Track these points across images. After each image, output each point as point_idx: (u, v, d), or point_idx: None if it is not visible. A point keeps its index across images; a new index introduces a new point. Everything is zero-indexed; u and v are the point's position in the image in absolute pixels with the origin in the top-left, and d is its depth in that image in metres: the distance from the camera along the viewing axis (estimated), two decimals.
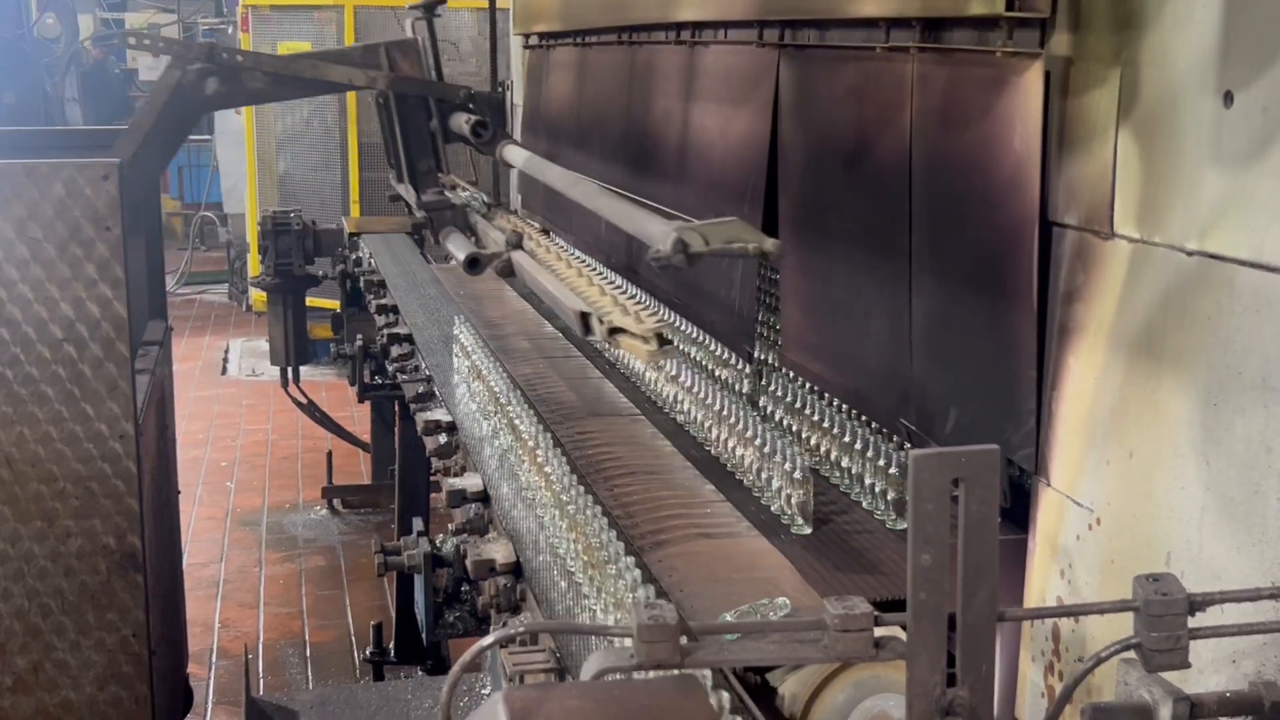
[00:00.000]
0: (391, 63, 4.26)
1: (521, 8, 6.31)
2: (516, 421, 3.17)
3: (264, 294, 7.43)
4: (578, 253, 3.44)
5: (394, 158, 4.55)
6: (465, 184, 4.65)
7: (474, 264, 3.56)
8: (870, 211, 2.75)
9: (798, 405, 3.01)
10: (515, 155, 4.19)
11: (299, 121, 10.57)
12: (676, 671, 1.49)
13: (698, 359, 3.65)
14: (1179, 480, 1.83)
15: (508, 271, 3.50)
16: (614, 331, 2.58)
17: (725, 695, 1.88)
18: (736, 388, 3.41)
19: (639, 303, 2.70)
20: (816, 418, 2.93)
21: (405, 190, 4.47)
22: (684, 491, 2.85)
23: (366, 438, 8.25)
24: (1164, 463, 1.86)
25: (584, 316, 2.69)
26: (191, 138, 16.87)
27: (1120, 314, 1.96)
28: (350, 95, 10.62)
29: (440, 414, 3.81)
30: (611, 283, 2.98)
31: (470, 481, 3.26)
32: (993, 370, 2.27)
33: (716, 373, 3.51)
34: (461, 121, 4.23)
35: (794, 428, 3.03)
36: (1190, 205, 1.81)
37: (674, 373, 3.42)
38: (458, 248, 3.77)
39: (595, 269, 3.19)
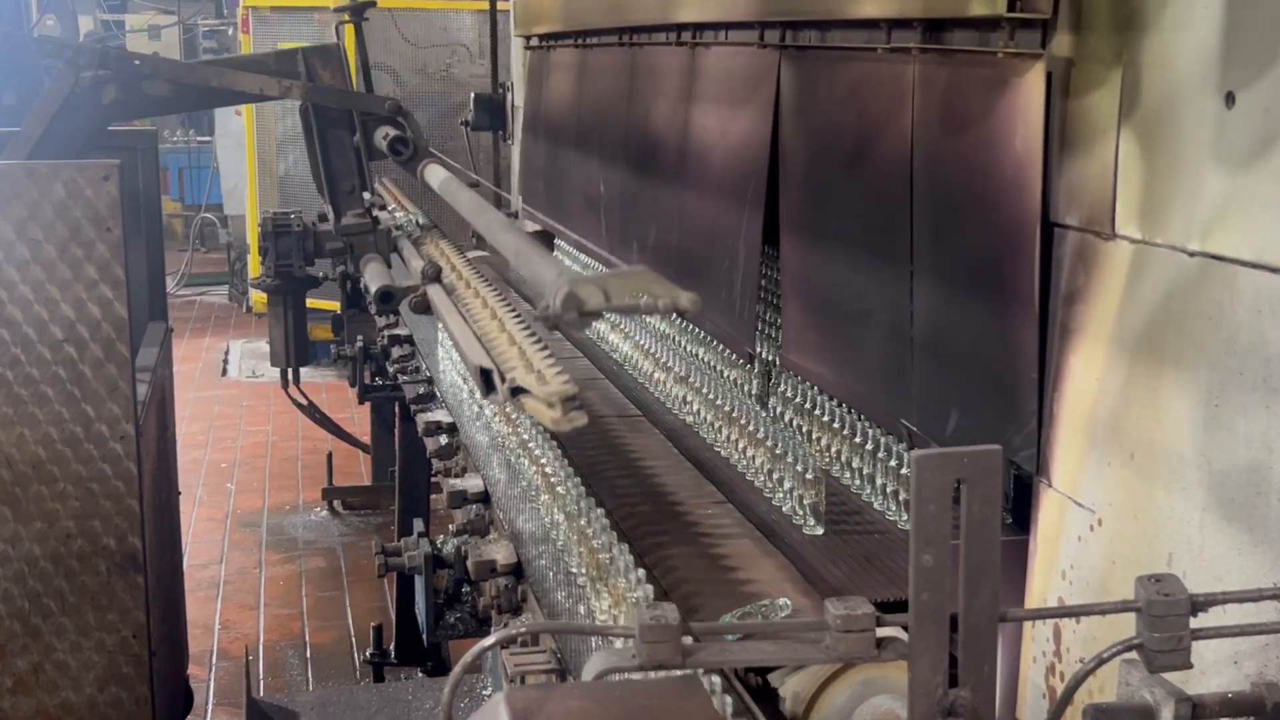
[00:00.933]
0: (310, 71, 3.92)
1: (522, 9, 6.31)
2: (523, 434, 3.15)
3: (264, 295, 7.42)
4: (497, 289, 3.19)
5: (315, 174, 4.23)
6: (400, 202, 4.44)
7: (387, 299, 3.33)
8: (871, 212, 2.75)
9: (807, 406, 3.01)
10: (434, 176, 3.91)
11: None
12: (679, 672, 1.49)
13: (706, 359, 3.65)
14: (1181, 481, 1.83)
15: (423, 308, 3.25)
16: (516, 392, 2.31)
17: (728, 700, 1.88)
18: (745, 388, 3.41)
19: (550, 356, 2.43)
20: (827, 418, 2.93)
21: (326, 207, 4.17)
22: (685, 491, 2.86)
23: (367, 439, 8.25)
24: (1166, 463, 1.86)
25: (484, 374, 2.44)
26: (194, 139, 16.92)
27: (1122, 315, 1.95)
28: None
29: (441, 415, 3.81)
30: (527, 329, 2.71)
31: (471, 483, 3.26)
32: (994, 371, 2.27)
33: (725, 373, 3.51)
34: (380, 137, 3.94)
35: (804, 428, 3.03)
36: (1192, 206, 1.81)
37: (683, 373, 3.43)
38: (373, 278, 3.52)
39: (512, 308, 2.93)
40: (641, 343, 3.84)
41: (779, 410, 3.16)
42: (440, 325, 3.03)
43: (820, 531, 2.62)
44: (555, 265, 2.26)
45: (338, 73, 3.96)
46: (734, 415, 3.06)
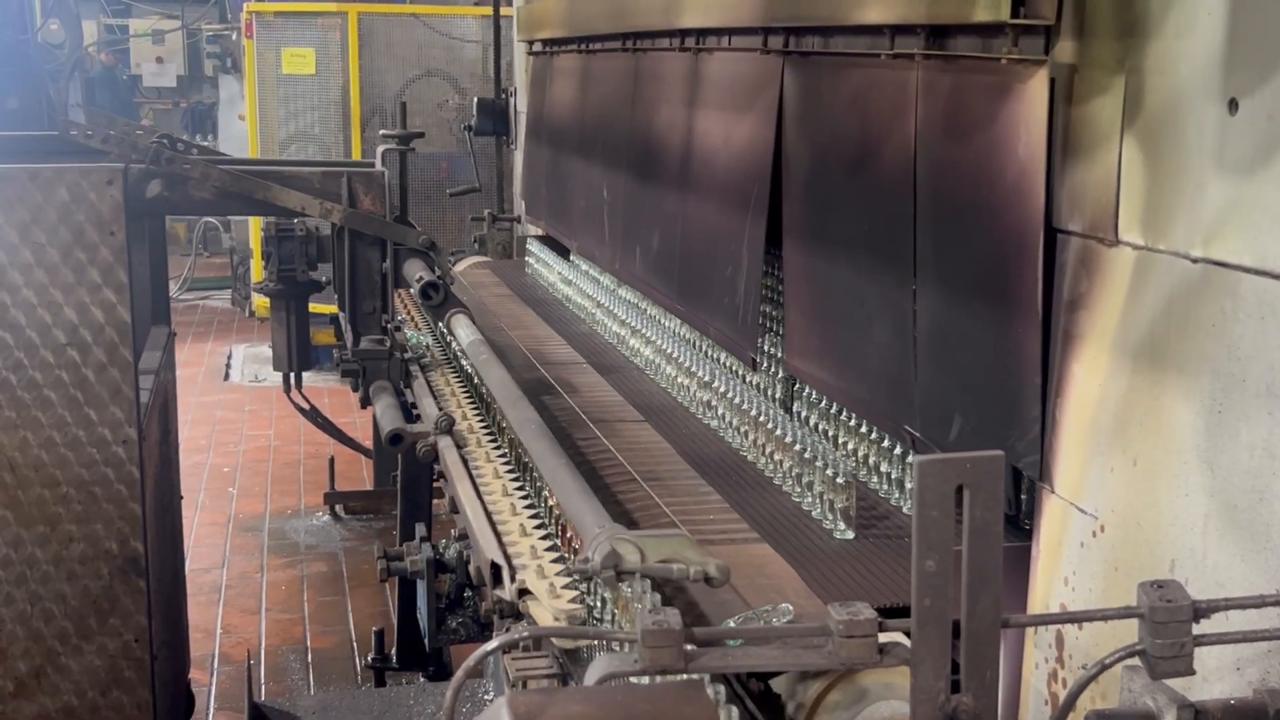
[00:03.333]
0: (352, 194, 3.93)
1: (525, 15, 6.31)
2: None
3: (267, 300, 7.43)
4: (506, 455, 3.12)
5: (339, 288, 4.21)
6: (416, 323, 4.31)
7: (396, 440, 3.26)
8: (875, 218, 2.75)
9: (833, 411, 3.02)
10: (463, 330, 3.85)
11: (303, 127, 10.59)
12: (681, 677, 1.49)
13: (728, 363, 3.65)
14: (1183, 487, 1.83)
15: (431, 458, 3.21)
16: (524, 593, 2.38)
17: (734, 710, 1.88)
18: (770, 393, 3.42)
19: (559, 561, 2.48)
20: (854, 422, 2.93)
21: (344, 322, 4.11)
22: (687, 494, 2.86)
23: (369, 443, 8.25)
24: (1168, 470, 1.86)
25: (495, 569, 2.48)
26: (195, 144, 16.92)
27: (1124, 321, 1.95)
28: (355, 103, 10.64)
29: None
30: (534, 515, 2.74)
31: None
32: (997, 377, 2.27)
33: (748, 378, 3.51)
34: (414, 276, 3.93)
35: (829, 432, 3.03)
36: (1195, 212, 1.81)
37: (707, 378, 3.43)
38: (384, 414, 3.45)
39: (521, 486, 2.92)
40: (664, 347, 3.84)
41: (803, 414, 3.17)
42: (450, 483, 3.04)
43: (851, 535, 2.63)
44: (597, 513, 2.32)
45: (379, 198, 3.96)
46: (759, 419, 3.06)
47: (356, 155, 10.62)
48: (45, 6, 15.66)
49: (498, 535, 2.66)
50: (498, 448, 3.18)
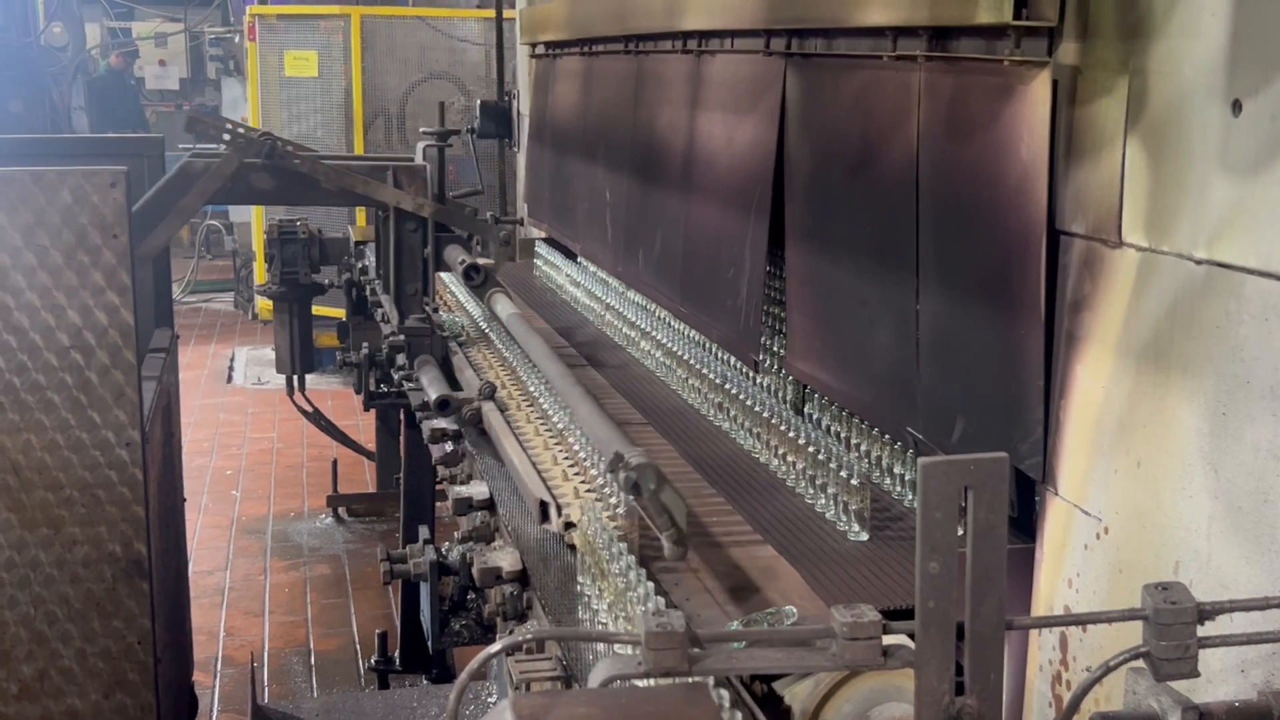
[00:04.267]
0: (397, 182, 4.35)
1: (528, 17, 6.32)
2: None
3: (270, 302, 7.43)
4: (544, 403, 3.42)
5: (381, 269, 4.61)
6: (450, 306, 4.66)
7: (444, 406, 3.58)
8: (877, 220, 2.75)
9: (845, 412, 3.01)
10: (501, 306, 4.23)
11: (306, 130, 10.59)
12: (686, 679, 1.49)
13: (739, 365, 3.64)
14: (1187, 489, 1.83)
15: (475, 420, 3.52)
16: (570, 526, 2.65)
17: (738, 715, 1.88)
18: (781, 394, 3.41)
19: (600, 499, 2.72)
20: (865, 424, 2.93)
21: (388, 303, 4.49)
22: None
23: (371, 446, 8.25)
24: (1172, 472, 1.86)
25: (543, 505, 2.75)
26: (198, 147, 16.95)
27: (1128, 323, 1.95)
28: (357, 106, 10.64)
29: (446, 422, 3.81)
30: (573, 464, 2.99)
31: (476, 489, 3.25)
32: (1000, 379, 2.27)
33: (758, 379, 3.51)
34: (456, 259, 4.30)
35: (841, 434, 3.03)
36: (1198, 214, 1.81)
37: (718, 380, 3.43)
38: (430, 383, 3.80)
39: (558, 439, 3.20)
40: (675, 349, 3.84)
41: (815, 416, 3.17)
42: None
43: (865, 537, 2.62)
44: (626, 442, 2.65)
45: (421, 190, 4.40)
46: (771, 421, 3.06)
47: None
48: (49, 10, 15.69)
49: (543, 480, 2.91)
50: (535, 410, 3.47)
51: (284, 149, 4.18)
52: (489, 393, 3.56)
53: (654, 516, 2.45)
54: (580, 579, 2.44)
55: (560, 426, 3.20)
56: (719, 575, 2.47)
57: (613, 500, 2.65)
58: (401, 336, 4.16)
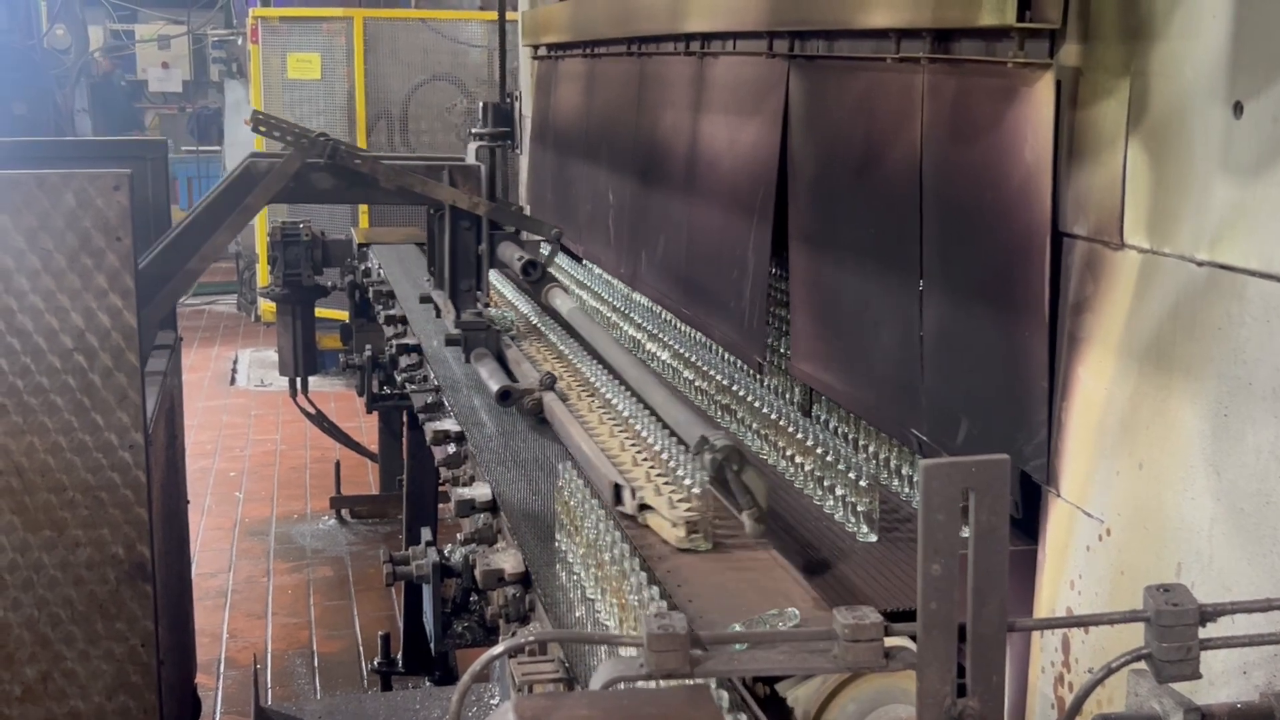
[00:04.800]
0: (452, 181, 4.52)
1: (530, 19, 6.32)
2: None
3: (273, 304, 7.44)
4: (607, 392, 3.47)
5: (435, 266, 4.76)
6: (499, 304, 4.85)
7: (505, 397, 3.65)
8: (881, 222, 2.75)
9: (853, 414, 3.01)
10: (560, 300, 4.37)
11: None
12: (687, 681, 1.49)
13: (746, 367, 3.64)
14: (1189, 491, 1.83)
15: (537, 410, 3.59)
16: (644, 508, 2.69)
17: (743, 718, 1.88)
18: (788, 396, 3.41)
19: (670, 483, 2.76)
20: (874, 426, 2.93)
21: (441, 300, 4.62)
22: None
23: (374, 448, 8.26)
24: (1174, 473, 1.86)
25: (616, 488, 2.78)
26: (201, 149, 16.98)
27: (1130, 324, 1.95)
28: (360, 108, 10.65)
29: (449, 424, 3.81)
30: (641, 451, 3.02)
31: (479, 491, 3.26)
32: (1003, 381, 2.27)
33: (766, 381, 3.51)
34: (513, 256, 4.46)
35: (849, 435, 3.03)
36: (1200, 215, 1.81)
37: (725, 381, 3.43)
38: (490, 375, 3.87)
39: (621, 425, 3.24)
40: (681, 351, 3.84)
41: (823, 418, 3.16)
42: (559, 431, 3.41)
43: (874, 539, 2.62)
44: (708, 424, 2.80)
45: (475, 187, 4.54)
46: (779, 422, 3.06)
47: None
48: (52, 12, 15.70)
49: (614, 465, 2.92)
50: (596, 400, 3.53)
51: (345, 150, 4.33)
52: (550, 383, 3.63)
53: (737, 495, 2.57)
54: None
55: (626, 414, 3.24)
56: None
57: (686, 482, 2.68)
58: (458, 331, 4.29)
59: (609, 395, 3.44)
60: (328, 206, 10.63)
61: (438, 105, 10.80)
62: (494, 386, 3.72)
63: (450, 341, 4.34)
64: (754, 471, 2.58)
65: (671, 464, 2.81)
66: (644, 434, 3.06)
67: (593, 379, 3.65)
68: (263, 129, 4.33)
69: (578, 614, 2.47)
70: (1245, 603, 1.53)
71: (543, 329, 4.44)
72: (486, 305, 4.54)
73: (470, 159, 4.65)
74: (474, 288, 4.55)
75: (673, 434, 2.97)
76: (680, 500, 2.63)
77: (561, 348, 4.11)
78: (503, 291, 5.22)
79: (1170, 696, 1.51)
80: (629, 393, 3.39)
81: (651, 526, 2.64)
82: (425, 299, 5.06)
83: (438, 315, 4.87)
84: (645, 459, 2.96)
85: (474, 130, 4.74)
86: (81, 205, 3.19)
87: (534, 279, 4.39)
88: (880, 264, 2.75)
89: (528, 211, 6.38)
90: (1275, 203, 1.68)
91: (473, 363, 4.15)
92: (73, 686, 3.34)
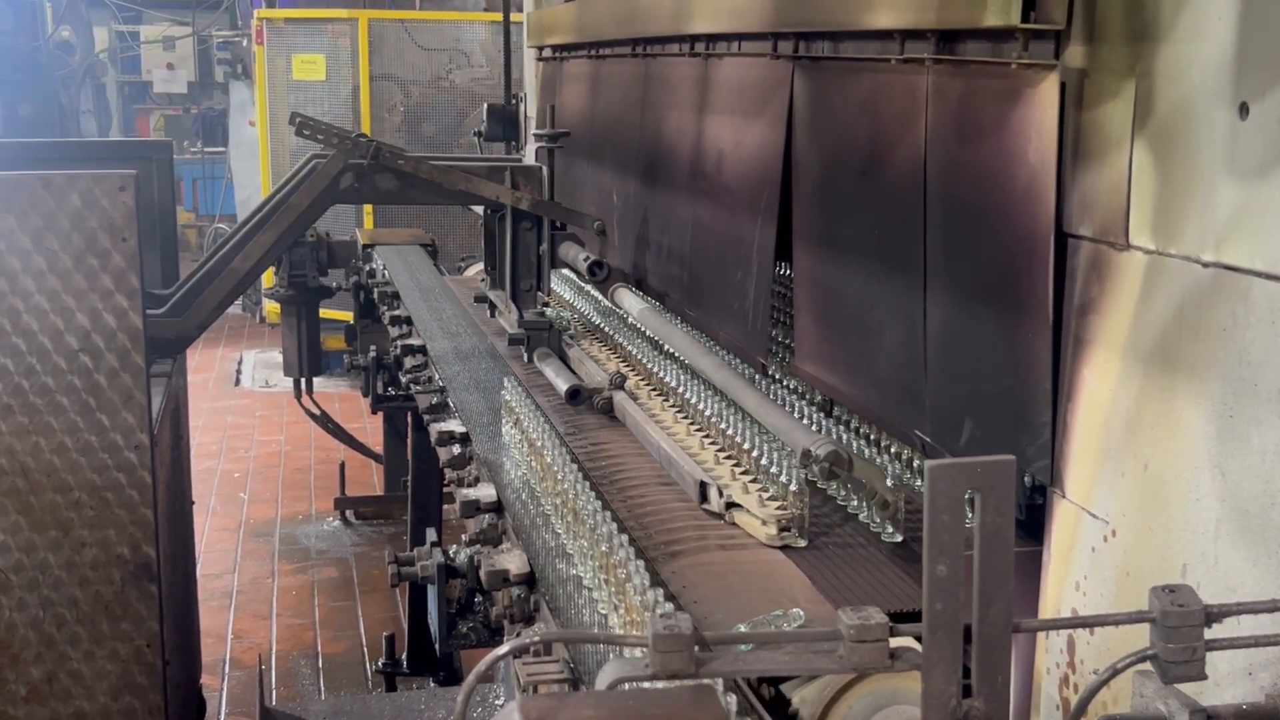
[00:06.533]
0: (514, 181, 4.55)
1: (535, 20, 6.32)
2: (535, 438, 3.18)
3: (278, 306, 7.45)
4: (686, 391, 3.46)
5: (496, 268, 4.79)
6: (557, 305, 4.90)
7: (575, 396, 3.66)
8: (885, 223, 2.75)
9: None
10: (629, 302, 4.41)
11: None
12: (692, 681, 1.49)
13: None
14: (1195, 492, 1.83)
15: (606, 409, 3.60)
16: (731, 506, 2.72)
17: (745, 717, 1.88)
18: (810, 396, 3.41)
19: (756, 481, 2.81)
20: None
21: (504, 303, 4.65)
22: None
23: (379, 449, 8.26)
24: (1180, 475, 1.85)
25: (703, 486, 2.80)
26: (206, 150, 17.00)
27: (1135, 326, 1.95)
28: (365, 109, 10.66)
29: (454, 425, 3.82)
30: (721, 449, 3.06)
31: (484, 492, 3.26)
32: (1008, 382, 2.27)
33: (786, 381, 3.50)
34: (578, 256, 4.51)
35: (870, 435, 3.02)
36: (1206, 216, 1.81)
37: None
38: (556, 374, 3.89)
39: (698, 427, 3.27)
40: (694, 350, 3.83)
41: (844, 418, 3.16)
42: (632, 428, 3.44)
43: (899, 539, 2.63)
44: (807, 431, 2.80)
45: (537, 188, 4.56)
46: (802, 423, 3.05)
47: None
48: (57, 13, 15.71)
49: (698, 463, 2.95)
50: (668, 400, 3.56)
51: (389, 151, 4.38)
52: (620, 382, 3.65)
53: (862, 496, 2.69)
54: None
55: (709, 413, 3.23)
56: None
57: (783, 479, 2.70)
58: (521, 330, 4.32)
59: (688, 395, 3.41)
60: (332, 210, 10.64)
61: (442, 106, 10.81)
62: (562, 386, 3.72)
63: (514, 341, 4.36)
64: (861, 465, 2.63)
65: (764, 461, 2.82)
66: (730, 432, 3.05)
67: (667, 378, 3.62)
68: (306, 133, 4.33)
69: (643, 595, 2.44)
70: (1251, 604, 1.53)
71: (606, 329, 4.46)
72: (546, 305, 4.57)
73: (529, 159, 4.67)
74: (534, 287, 4.57)
75: (762, 432, 2.98)
76: (769, 499, 2.67)
77: (629, 348, 4.10)
78: (560, 293, 5.23)
79: (1175, 697, 1.51)
80: (711, 391, 3.37)
81: (740, 525, 2.67)
82: (481, 298, 5.07)
83: (492, 315, 4.91)
84: (729, 457, 2.99)
85: (535, 131, 4.74)
86: (87, 206, 3.19)
87: (600, 279, 4.44)
88: (884, 265, 2.75)
89: None
90: None
91: (536, 362, 4.17)
92: (78, 687, 3.35)
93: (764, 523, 2.60)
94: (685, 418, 3.36)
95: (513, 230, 4.56)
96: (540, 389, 3.88)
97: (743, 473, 2.89)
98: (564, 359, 4.14)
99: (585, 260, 4.43)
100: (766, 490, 2.75)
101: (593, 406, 3.62)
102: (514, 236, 4.56)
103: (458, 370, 4.29)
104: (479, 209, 5.19)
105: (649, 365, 3.82)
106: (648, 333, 4.20)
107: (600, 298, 4.87)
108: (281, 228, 4.29)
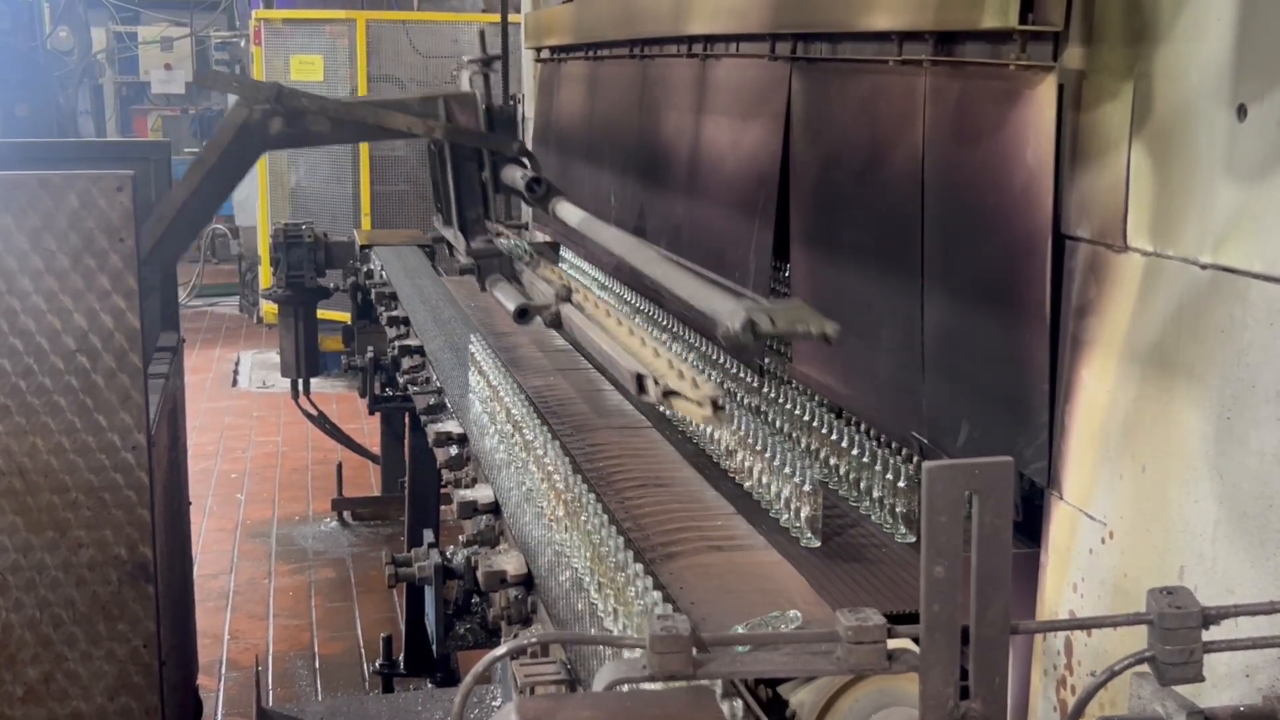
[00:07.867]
0: (449, 114, 4.41)
1: (533, 22, 6.32)
2: (528, 434, 3.18)
3: (275, 306, 7.45)
4: (622, 308, 3.44)
5: (443, 203, 4.68)
6: (509, 231, 4.75)
7: (524, 314, 3.60)
8: (882, 224, 2.75)
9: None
10: (569, 213, 4.27)
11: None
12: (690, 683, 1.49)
13: (735, 372, 3.63)
14: (1192, 494, 1.83)
15: (556, 323, 3.55)
16: (668, 394, 2.65)
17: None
18: (819, 398, 3.40)
19: (693, 366, 2.75)
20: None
21: (453, 235, 4.56)
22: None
23: (376, 450, 8.26)
24: (1177, 476, 1.85)
25: (639, 378, 2.75)
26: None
27: (1133, 327, 1.95)
28: None
29: (451, 426, 3.81)
30: (661, 342, 3.00)
31: (481, 493, 3.26)
32: (1005, 383, 2.27)
33: (795, 382, 3.49)
34: (516, 176, 4.37)
35: (882, 436, 3.01)
36: (1204, 218, 1.81)
37: (754, 382, 3.41)
38: (506, 297, 3.83)
39: (640, 325, 3.22)
40: (706, 351, 3.82)
41: (854, 419, 3.15)
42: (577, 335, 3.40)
43: (912, 539, 2.61)
44: (729, 296, 2.58)
45: (472, 117, 4.42)
46: (812, 424, 3.05)
47: (364, 161, 10.65)
48: (55, 14, 15.70)
49: (635, 358, 2.90)
50: (612, 306, 3.45)
51: (289, 92, 4.29)
52: (565, 295, 3.59)
53: (791, 337, 2.66)
54: None
55: (641, 308, 3.15)
56: None
57: (796, 479, 2.67)
58: (470, 260, 4.25)
59: (619, 292, 3.32)
60: (330, 211, 10.66)
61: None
62: (510, 306, 3.66)
63: (464, 271, 4.27)
64: (783, 315, 2.42)
65: (700, 347, 2.73)
66: (663, 322, 2.95)
67: (606, 283, 3.53)
68: (211, 84, 4.33)
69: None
70: (1248, 605, 1.53)
71: (551, 250, 4.33)
72: (498, 235, 4.47)
73: (463, 87, 4.56)
74: (481, 217, 4.47)
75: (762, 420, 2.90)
76: (703, 379, 2.61)
77: (578, 263, 3.96)
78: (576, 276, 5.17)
79: (1173, 699, 1.51)
80: (643, 289, 3.29)
81: (679, 410, 2.62)
82: (439, 239, 4.95)
83: (451, 254, 4.78)
84: (663, 345, 2.95)
85: (466, 58, 4.61)
86: (85, 206, 3.19)
87: (539, 195, 4.29)
88: (882, 266, 2.75)
89: (531, 213, 6.39)
90: (1279, 205, 1.68)
91: (488, 289, 4.08)
92: (75, 687, 3.34)
93: (699, 404, 2.53)
94: (630, 319, 3.28)
95: (454, 162, 4.46)
96: (461, 284, 3.79)
97: (682, 360, 2.82)
98: (518, 283, 4.06)
99: (524, 179, 4.30)
100: (702, 373, 2.68)
101: (544, 320, 3.56)
102: (455, 167, 4.46)
103: (456, 370, 4.28)
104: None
105: (591, 274, 3.69)
106: (591, 241, 4.04)
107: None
108: (205, 168, 4.23)
